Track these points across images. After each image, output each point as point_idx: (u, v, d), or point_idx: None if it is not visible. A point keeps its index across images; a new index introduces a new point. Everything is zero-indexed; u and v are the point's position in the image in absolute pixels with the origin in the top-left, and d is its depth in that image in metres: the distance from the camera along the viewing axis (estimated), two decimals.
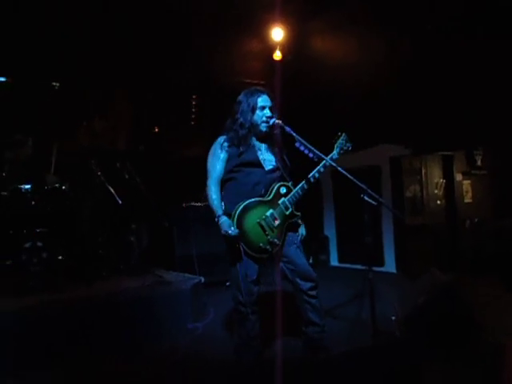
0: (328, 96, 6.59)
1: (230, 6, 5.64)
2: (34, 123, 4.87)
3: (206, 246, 5.32)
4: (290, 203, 2.93)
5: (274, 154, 3.06)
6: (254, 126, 2.99)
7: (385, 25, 5.68)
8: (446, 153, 6.08)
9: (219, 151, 2.98)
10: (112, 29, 5.25)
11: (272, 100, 3.03)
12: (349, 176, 2.78)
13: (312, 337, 3.04)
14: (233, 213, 2.83)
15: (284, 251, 2.98)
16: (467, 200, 6.24)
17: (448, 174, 6.11)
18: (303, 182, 2.97)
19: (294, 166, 3.18)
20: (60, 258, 4.03)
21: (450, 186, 6.09)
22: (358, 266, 6.33)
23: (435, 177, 6.08)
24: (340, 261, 7.02)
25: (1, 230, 3.91)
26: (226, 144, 2.98)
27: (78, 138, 5.48)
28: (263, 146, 3.05)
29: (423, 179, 5.98)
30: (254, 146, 3.00)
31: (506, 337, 3.12)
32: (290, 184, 2.99)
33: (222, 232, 2.82)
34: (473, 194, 6.28)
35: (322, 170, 2.98)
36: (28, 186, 4.04)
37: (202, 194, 5.16)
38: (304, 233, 3.14)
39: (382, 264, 6.27)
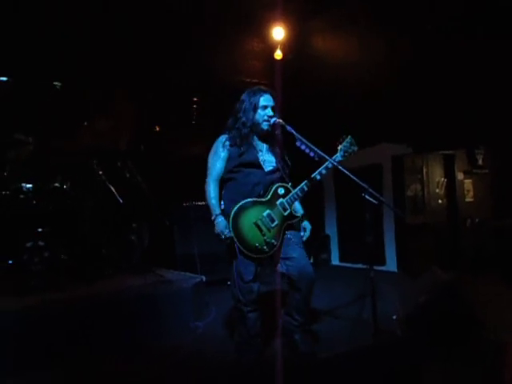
0: (329, 95, 6.59)
1: (231, 6, 5.64)
2: (35, 123, 4.87)
3: (207, 244, 5.32)
4: (288, 204, 2.93)
5: (274, 154, 3.06)
6: (255, 125, 3.00)
7: (385, 24, 5.68)
8: (447, 152, 6.08)
9: (220, 149, 3.00)
10: (113, 29, 5.25)
11: (275, 99, 3.03)
12: (350, 175, 2.78)
13: (285, 327, 3.04)
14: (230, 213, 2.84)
15: (285, 250, 2.97)
16: (468, 199, 6.23)
17: (449, 173, 6.11)
18: (303, 183, 2.96)
19: (295, 167, 3.17)
20: (62, 257, 4.03)
21: (452, 185, 6.09)
22: (360, 265, 6.34)
23: (436, 176, 6.08)
24: (341, 260, 7.02)
25: (2, 229, 3.91)
26: (227, 143, 2.99)
27: (79, 137, 5.48)
28: (264, 147, 3.06)
29: (424, 178, 5.98)
30: (254, 147, 3.01)
31: (507, 335, 3.12)
32: (289, 185, 2.98)
33: (216, 232, 2.87)
34: (474, 192, 6.27)
35: (323, 172, 2.96)
36: (29, 186, 4.04)
37: (203, 193, 5.17)
38: (308, 233, 3.13)
39: (383, 263, 6.27)
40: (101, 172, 4.45)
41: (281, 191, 2.95)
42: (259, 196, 2.91)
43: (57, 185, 4.24)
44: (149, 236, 5.32)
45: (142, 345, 3.49)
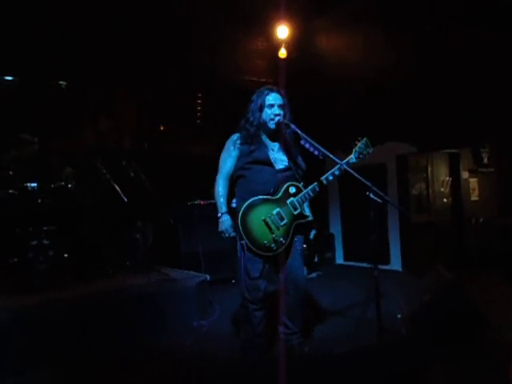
0: (334, 94, 6.58)
1: (235, 5, 5.64)
2: (40, 122, 4.89)
3: (211, 243, 5.33)
4: (298, 203, 2.92)
5: (286, 153, 3.06)
6: (262, 124, 3.02)
7: (389, 23, 5.67)
8: (452, 150, 6.05)
9: (232, 148, 3.03)
10: (116, 28, 5.27)
11: (283, 98, 3.04)
12: (355, 174, 2.78)
13: (285, 338, 3.07)
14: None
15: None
16: (474, 198, 6.20)
17: (454, 172, 6.08)
18: (315, 183, 2.95)
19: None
20: (66, 255, 4.05)
21: (457, 184, 6.07)
22: (364, 264, 6.32)
23: (441, 174, 6.05)
24: (346, 259, 7.01)
25: (7, 227, 3.93)
26: (238, 141, 3.02)
27: (83, 136, 5.51)
28: (276, 146, 3.06)
29: (429, 177, 5.96)
30: (265, 145, 3.03)
31: None
32: (300, 185, 2.98)
33: (220, 229, 2.94)
34: (479, 191, 6.24)
35: (336, 173, 2.93)
36: (34, 185, 4.06)
37: (208, 192, 5.19)
38: (311, 237, 3.15)
39: (387, 262, 6.25)
40: (105, 171, 4.46)
41: (292, 190, 2.94)
42: (270, 194, 2.91)
43: (62, 184, 4.25)
44: (153, 234, 5.33)
45: (145, 344, 3.50)
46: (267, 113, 2.99)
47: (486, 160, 6.21)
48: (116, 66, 5.48)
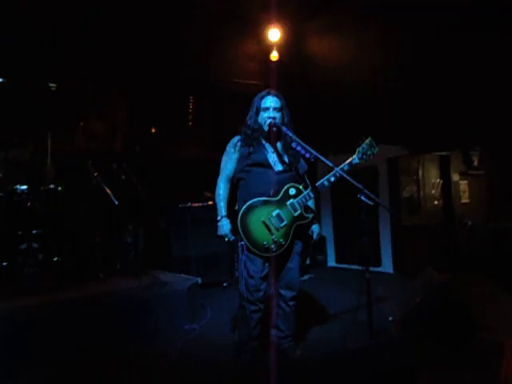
0: (325, 97, 6.61)
1: (227, 7, 5.65)
2: (30, 124, 4.85)
3: (203, 247, 5.32)
4: (298, 205, 2.92)
5: (287, 155, 3.05)
6: (259, 128, 3.03)
7: (381, 26, 5.70)
8: (442, 153, 6.09)
9: (232, 151, 3.05)
10: (108, 30, 5.25)
11: (281, 100, 3.04)
12: (346, 176, 2.79)
13: (277, 341, 3.08)
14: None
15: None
16: (464, 200, 6.24)
17: (445, 175, 6.11)
18: (316, 184, 2.96)
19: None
20: (56, 259, 4.01)
21: (447, 187, 6.10)
22: (356, 267, 6.34)
23: (432, 177, 6.08)
24: (337, 261, 7.02)
25: None
26: (238, 144, 3.04)
27: (74, 139, 5.47)
28: (277, 148, 3.06)
29: (420, 179, 5.98)
30: (264, 147, 3.03)
31: (502, 336, 3.12)
32: (301, 186, 2.98)
33: (219, 234, 2.97)
34: (470, 194, 6.28)
35: (332, 179, 2.90)
36: (24, 187, 4.02)
37: (201, 194, 5.15)
38: (316, 237, 3.15)
39: (379, 264, 6.26)
40: (96, 174, 4.43)
41: (292, 192, 2.94)
42: (270, 196, 2.92)
43: (51, 187, 4.22)
44: (144, 238, 5.30)
45: (137, 346, 3.47)
46: (262, 116, 3.01)
47: (476, 162, 6.25)
48: (107, 68, 5.46)
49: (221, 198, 3.02)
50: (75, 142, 5.43)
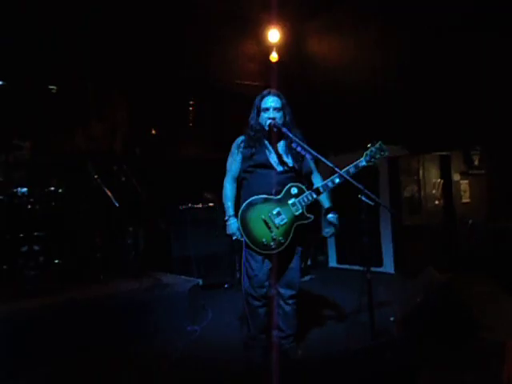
0: (325, 97, 6.60)
1: (227, 8, 5.65)
2: (30, 127, 4.86)
3: (203, 248, 5.31)
4: (300, 204, 2.92)
5: (290, 156, 3.05)
6: (261, 128, 3.03)
7: (381, 26, 5.70)
8: (443, 153, 6.08)
9: (236, 151, 3.08)
10: (108, 31, 5.25)
11: (281, 100, 3.03)
12: (346, 176, 2.78)
13: (278, 342, 3.09)
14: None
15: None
16: (465, 200, 6.23)
17: (445, 174, 6.10)
18: (318, 186, 2.97)
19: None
20: (57, 261, 4.01)
21: (448, 186, 6.09)
22: (357, 267, 6.32)
23: (433, 177, 6.07)
24: (338, 262, 7.00)
25: None
26: (242, 145, 3.05)
27: (74, 141, 5.47)
28: (279, 148, 3.06)
29: (421, 179, 5.97)
30: (266, 148, 3.03)
31: (503, 335, 3.11)
32: (303, 186, 2.98)
33: (227, 233, 3.02)
34: (470, 193, 6.27)
35: (336, 181, 2.90)
36: (24, 190, 4.03)
37: (201, 195, 5.14)
38: (333, 230, 3.16)
39: (380, 264, 6.25)
40: (96, 176, 4.43)
41: (294, 191, 2.95)
42: (271, 195, 2.93)
43: (52, 189, 4.22)
44: (145, 239, 5.30)
45: (138, 348, 3.47)
46: (263, 116, 3.01)
47: (476, 162, 6.24)
48: (107, 68, 5.46)
49: (228, 198, 3.06)
50: (75, 142, 5.44)
